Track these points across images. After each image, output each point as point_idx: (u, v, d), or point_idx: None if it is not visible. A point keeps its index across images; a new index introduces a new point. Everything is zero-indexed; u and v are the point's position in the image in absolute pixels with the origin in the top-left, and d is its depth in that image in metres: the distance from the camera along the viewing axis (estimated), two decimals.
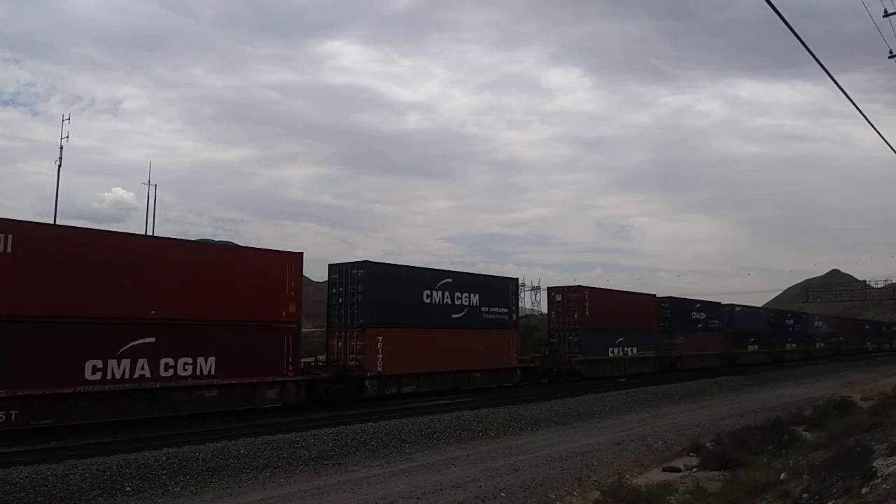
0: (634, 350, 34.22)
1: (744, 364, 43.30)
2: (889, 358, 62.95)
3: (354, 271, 21.58)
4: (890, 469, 6.91)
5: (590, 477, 12.21)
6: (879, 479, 6.70)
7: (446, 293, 23.93)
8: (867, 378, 37.09)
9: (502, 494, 10.87)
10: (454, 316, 24.11)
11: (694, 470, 12.48)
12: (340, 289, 21.72)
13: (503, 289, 26.93)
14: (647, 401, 24.57)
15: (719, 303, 44.85)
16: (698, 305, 41.52)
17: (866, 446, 8.50)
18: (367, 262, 21.74)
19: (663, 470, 12.84)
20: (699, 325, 40.63)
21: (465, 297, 24.69)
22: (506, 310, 26.55)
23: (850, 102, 13.56)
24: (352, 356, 21.01)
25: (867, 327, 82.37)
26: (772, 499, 8.15)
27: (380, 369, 20.91)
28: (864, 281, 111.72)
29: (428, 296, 23.22)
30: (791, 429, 15.99)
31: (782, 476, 9.31)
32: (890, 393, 23.44)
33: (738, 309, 46.91)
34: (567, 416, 20.12)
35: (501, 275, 28.26)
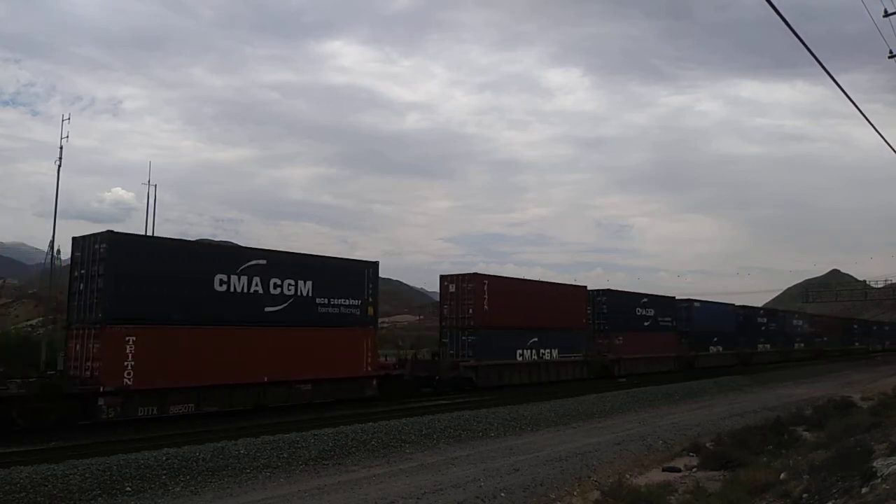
0: (554, 353, 28.83)
1: (703, 367, 38.85)
2: (889, 358, 62.62)
3: (97, 246, 15.95)
4: (890, 469, 6.90)
5: (590, 477, 12.21)
6: (879, 479, 6.69)
7: (256, 279, 18.20)
8: (867, 378, 37.08)
9: (502, 494, 10.87)
10: (268, 309, 18.45)
11: (694, 470, 12.48)
12: (82, 271, 16.24)
13: (353, 276, 21.13)
14: (647, 401, 24.56)
15: (673, 298, 40.00)
16: (645, 300, 36.40)
17: (866, 446, 8.50)
18: (111, 232, 16.04)
19: (663, 470, 12.83)
20: (646, 324, 35.78)
21: (289, 284, 18.98)
22: (357, 302, 20.95)
23: (849, 102, 13.54)
24: (87, 363, 15.51)
25: (855, 326, 75.92)
26: (772, 499, 8.15)
27: (128, 382, 15.35)
28: (864, 281, 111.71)
29: (223, 282, 17.47)
30: (791, 429, 15.98)
31: (782, 476, 9.31)
32: (890, 393, 23.43)
33: (697, 305, 41.98)
34: (567, 416, 20.11)
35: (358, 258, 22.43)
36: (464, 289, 25.76)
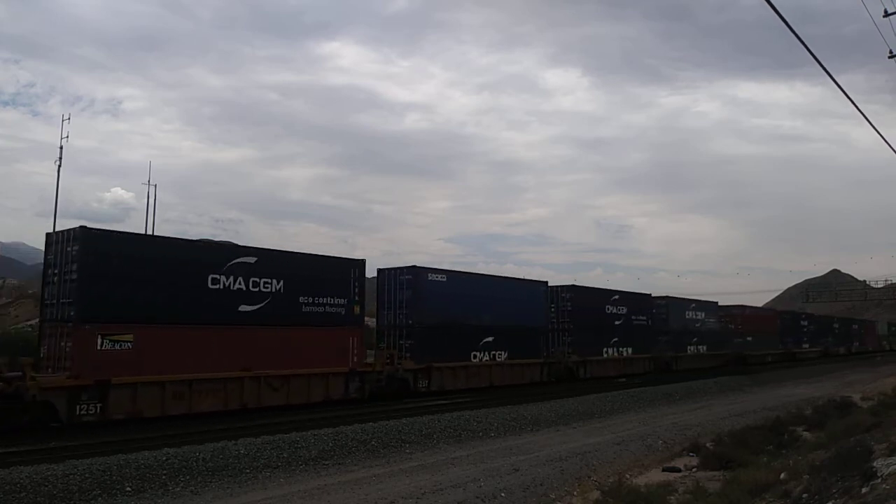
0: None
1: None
2: (888, 358, 61.87)
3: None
4: (890, 469, 6.90)
5: (590, 477, 12.21)
6: (879, 479, 6.69)
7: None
8: (867, 378, 37.10)
9: (502, 494, 10.88)
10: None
11: (694, 470, 12.48)
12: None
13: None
14: (647, 400, 24.58)
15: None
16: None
17: (866, 446, 8.49)
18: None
19: (663, 470, 12.83)
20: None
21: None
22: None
23: (847, 103, 13.57)
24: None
25: (804, 323, 58.36)
26: (772, 499, 8.15)
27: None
28: (864, 281, 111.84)
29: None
30: (791, 429, 15.99)
31: (782, 476, 9.31)
32: (890, 393, 23.45)
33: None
34: (567, 415, 20.12)
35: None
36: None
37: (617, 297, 34.29)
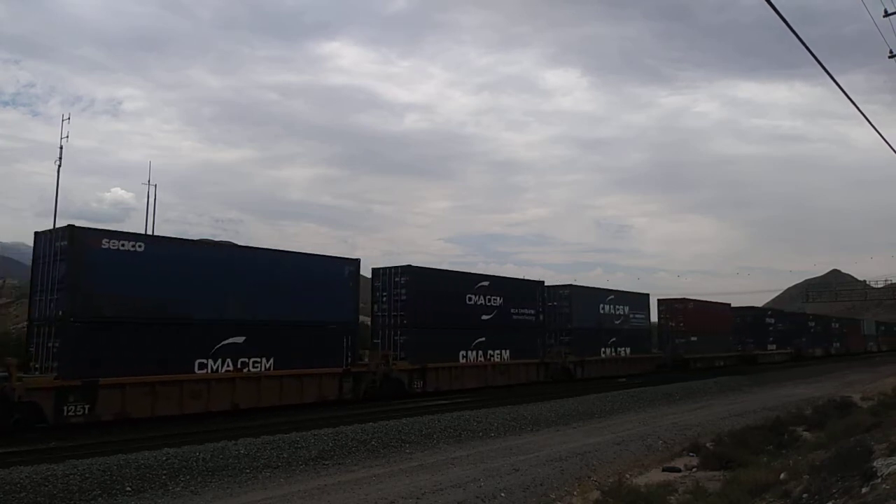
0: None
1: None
2: (888, 358, 61.34)
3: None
4: (890, 469, 6.90)
5: (590, 477, 12.20)
6: (879, 479, 6.69)
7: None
8: (867, 378, 37.09)
9: (502, 494, 10.87)
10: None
11: (694, 470, 12.48)
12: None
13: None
14: (647, 401, 24.58)
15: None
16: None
17: (866, 446, 8.49)
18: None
19: (663, 470, 12.83)
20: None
21: None
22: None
23: (846, 103, 13.57)
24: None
25: (770, 320, 50.40)
26: (772, 499, 8.15)
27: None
28: (864, 281, 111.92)
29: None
30: (791, 429, 15.98)
31: (782, 476, 9.31)
32: (890, 393, 23.45)
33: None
34: (567, 416, 20.12)
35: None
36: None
37: (486, 283, 26.14)
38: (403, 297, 23.43)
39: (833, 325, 64.09)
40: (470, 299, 25.52)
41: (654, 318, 40.69)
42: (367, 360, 22.02)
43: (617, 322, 34.02)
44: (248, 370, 17.85)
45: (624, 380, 31.23)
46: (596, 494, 10.23)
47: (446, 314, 24.38)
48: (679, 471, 12.57)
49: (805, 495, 7.32)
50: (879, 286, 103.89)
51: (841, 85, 12.67)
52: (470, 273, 26.90)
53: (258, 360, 18.24)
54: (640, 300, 37.22)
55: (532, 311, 28.31)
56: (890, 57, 20.03)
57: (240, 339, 17.84)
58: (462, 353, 25.02)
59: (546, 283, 30.33)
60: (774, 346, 49.56)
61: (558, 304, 30.75)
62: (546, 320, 29.37)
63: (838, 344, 62.98)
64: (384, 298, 23.89)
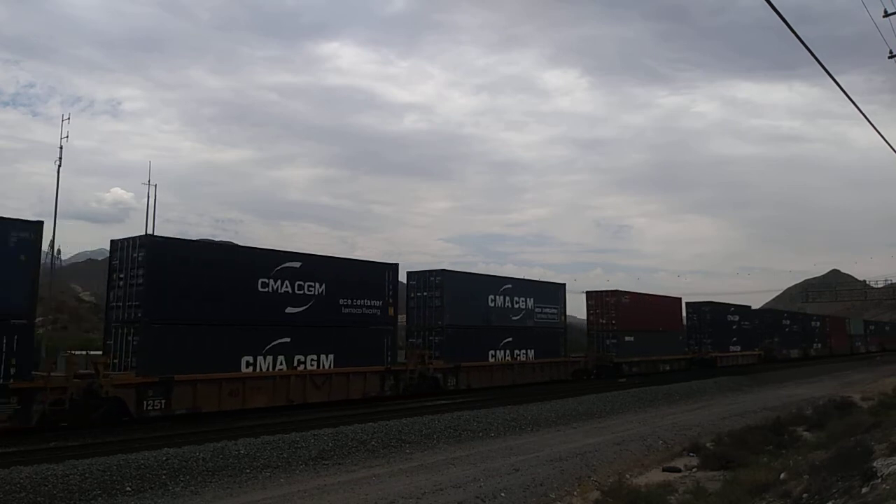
0: (531, 354, 27.74)
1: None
2: (888, 357, 60.95)
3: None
4: (890, 469, 6.90)
5: (590, 477, 12.20)
6: (879, 479, 6.69)
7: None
8: (867, 378, 37.08)
9: (502, 494, 10.87)
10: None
11: (694, 470, 12.48)
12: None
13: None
14: (647, 401, 24.58)
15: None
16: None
17: (866, 446, 8.49)
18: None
19: (663, 470, 12.84)
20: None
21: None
22: (378, 303, 21.97)
23: (845, 103, 13.56)
24: None
25: (734, 318, 43.43)
26: (772, 499, 8.15)
27: None
28: (864, 281, 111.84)
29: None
30: (791, 429, 15.99)
31: (782, 476, 9.30)
32: (890, 393, 23.45)
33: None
34: (567, 416, 20.12)
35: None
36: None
37: (298, 264, 19.29)
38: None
39: (813, 323, 57.96)
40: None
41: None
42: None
43: (515, 318, 27.66)
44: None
45: (623, 380, 31.25)
46: (596, 494, 10.23)
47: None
48: (679, 471, 12.57)
49: (805, 495, 7.32)
50: (879, 286, 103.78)
51: (840, 85, 12.65)
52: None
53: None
54: (551, 291, 30.37)
55: (376, 302, 22.94)
56: (889, 57, 20.02)
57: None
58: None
59: (410, 270, 26.07)
60: (739, 348, 43.19)
61: (428, 295, 24.84)
62: (414, 316, 25.33)
63: (819, 344, 56.96)
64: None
